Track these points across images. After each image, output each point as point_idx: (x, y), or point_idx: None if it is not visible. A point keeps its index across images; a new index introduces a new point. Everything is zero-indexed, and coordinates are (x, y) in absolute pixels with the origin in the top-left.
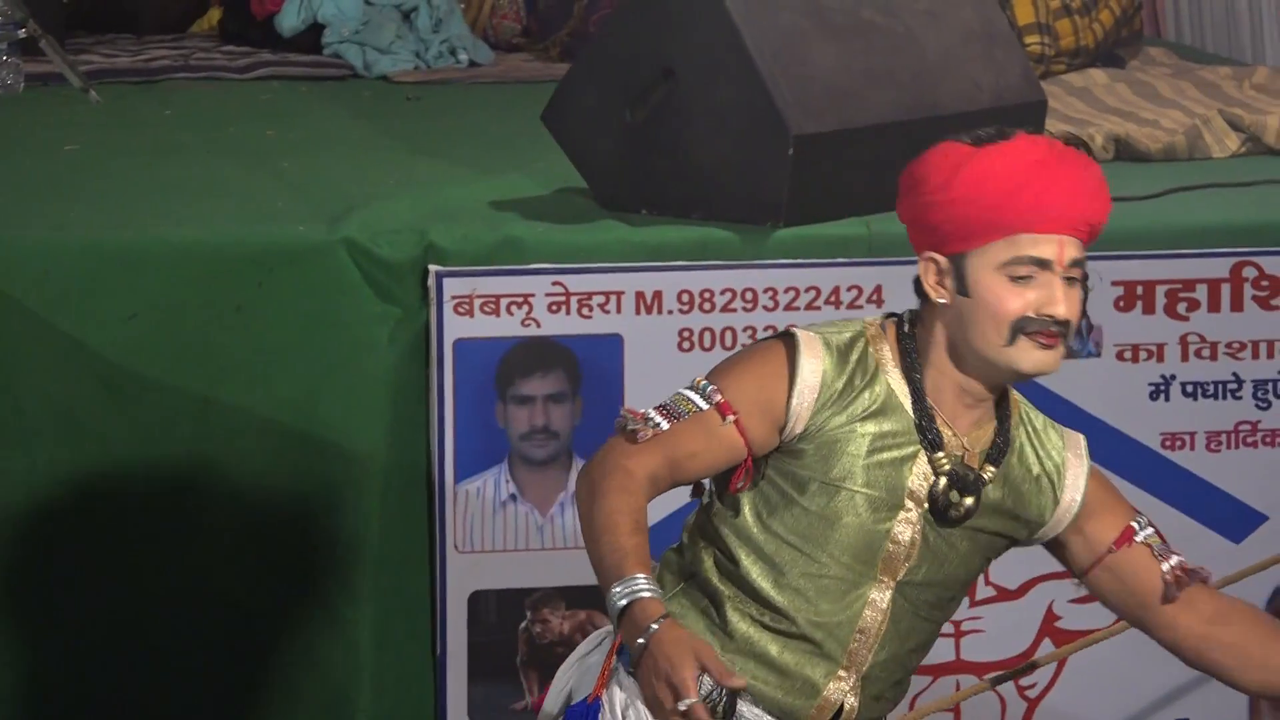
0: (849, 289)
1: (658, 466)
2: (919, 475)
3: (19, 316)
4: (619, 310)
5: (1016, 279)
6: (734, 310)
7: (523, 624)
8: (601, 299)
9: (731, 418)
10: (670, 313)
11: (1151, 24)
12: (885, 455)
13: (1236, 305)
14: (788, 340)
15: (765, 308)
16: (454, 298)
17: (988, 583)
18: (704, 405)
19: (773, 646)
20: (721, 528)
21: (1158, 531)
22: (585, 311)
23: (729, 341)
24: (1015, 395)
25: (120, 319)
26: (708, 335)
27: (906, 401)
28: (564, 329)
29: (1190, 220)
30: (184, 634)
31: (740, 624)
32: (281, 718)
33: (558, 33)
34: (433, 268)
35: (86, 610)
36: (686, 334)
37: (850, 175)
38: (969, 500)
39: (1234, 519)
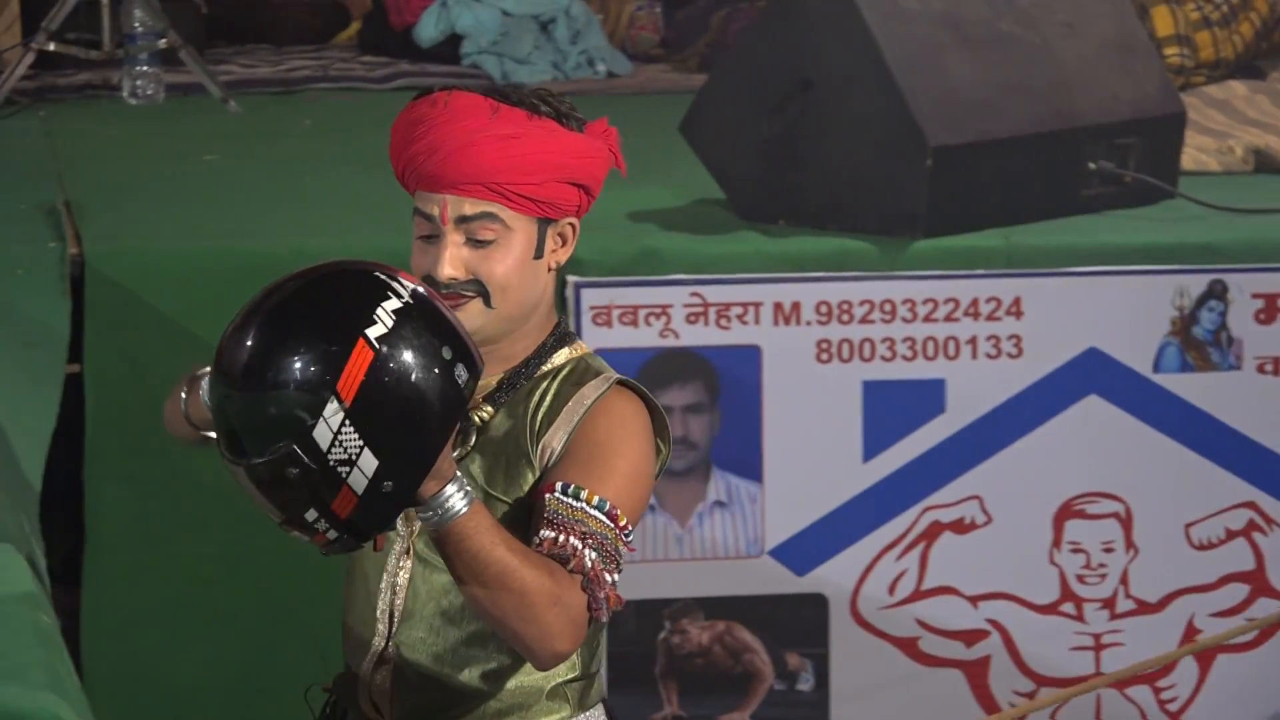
0: (987, 300)
1: None
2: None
3: (159, 326)
4: (757, 321)
5: (422, 238)
6: (872, 322)
7: (661, 634)
8: (739, 310)
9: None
10: (808, 324)
11: None
12: None
13: None
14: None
15: (904, 319)
16: (592, 308)
17: (1128, 595)
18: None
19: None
20: None
21: (575, 506)
22: (723, 323)
23: (867, 353)
24: (579, 351)
25: None
26: (846, 347)
27: None
28: (702, 340)
29: None
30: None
31: None
32: None
33: (695, 44)
34: (571, 278)
35: (256, 612)
36: (824, 345)
37: (988, 186)
38: (470, 443)
39: None
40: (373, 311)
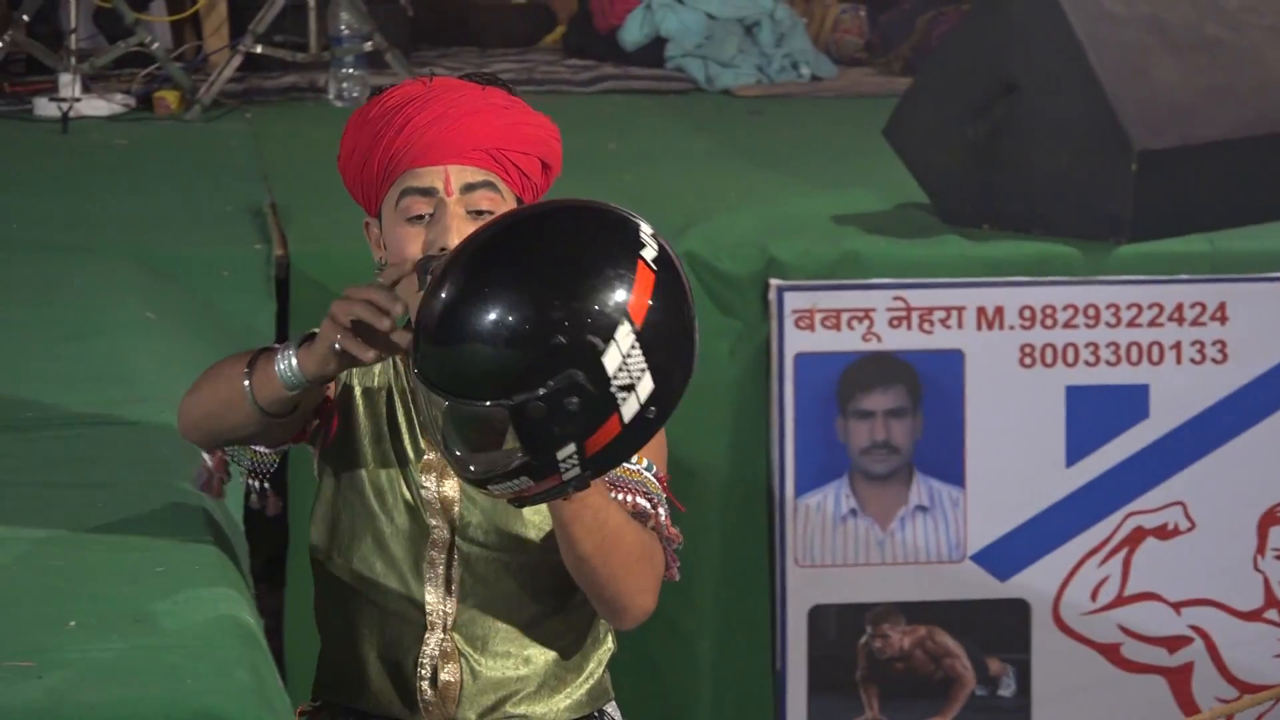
0: (1192, 306)
1: None
2: None
3: None
4: (960, 325)
5: (411, 219)
6: (1076, 327)
7: (863, 639)
8: (943, 314)
9: None
10: (1011, 328)
11: None
12: None
13: None
14: None
15: (1107, 324)
16: (795, 311)
17: None
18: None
19: (375, 633)
20: None
21: (645, 469)
22: (926, 326)
23: (1070, 358)
24: None
25: None
26: (1049, 351)
27: None
28: (905, 344)
29: None
30: None
31: None
32: None
33: (900, 47)
34: (774, 281)
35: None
36: (1028, 350)
37: (1193, 191)
38: None
39: None
40: (638, 234)
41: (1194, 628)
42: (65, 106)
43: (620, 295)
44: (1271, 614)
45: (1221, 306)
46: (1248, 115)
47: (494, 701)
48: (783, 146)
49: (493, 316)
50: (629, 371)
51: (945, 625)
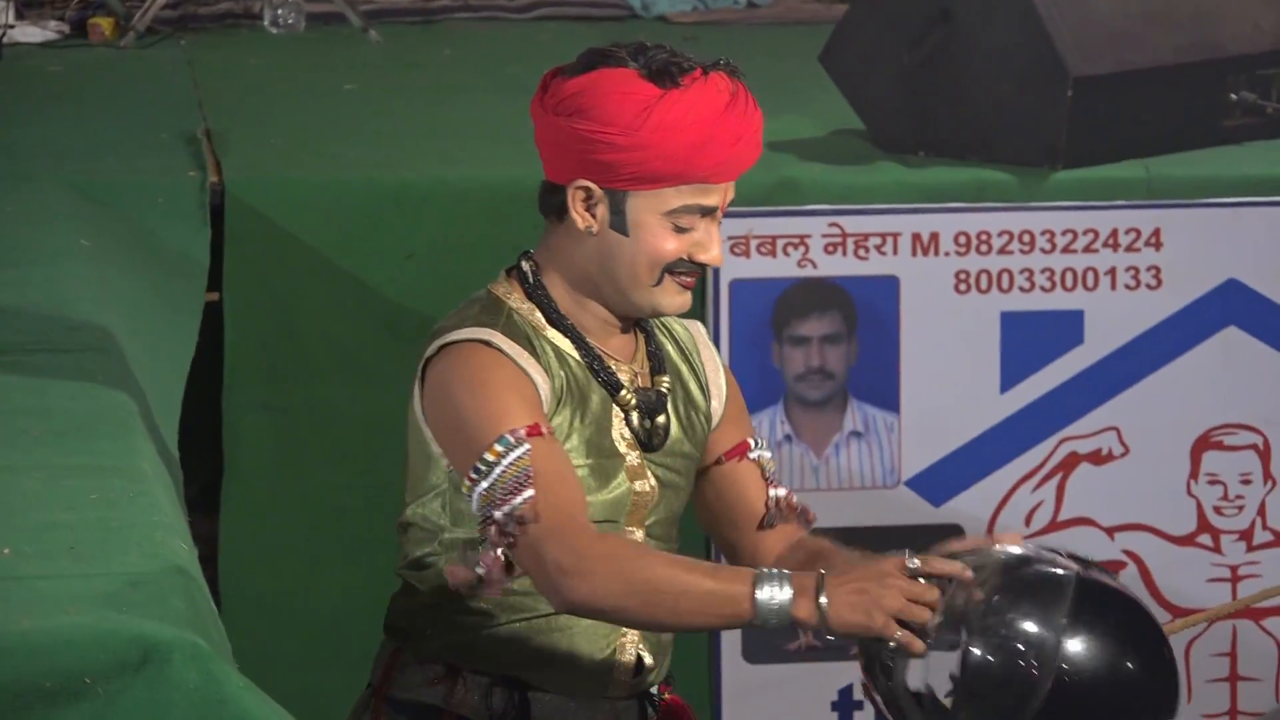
0: (1127, 231)
1: (579, 508)
2: (618, 423)
3: (298, 255)
4: (895, 252)
5: (678, 226)
6: (1011, 253)
7: None
8: (878, 240)
9: (544, 429)
10: (947, 254)
11: None
12: (583, 423)
13: None
14: (484, 346)
15: (1042, 250)
16: (731, 238)
17: (1265, 527)
18: (524, 445)
19: (560, 635)
20: None
21: (772, 458)
22: (861, 253)
23: (1005, 284)
24: None
25: (398, 258)
26: (984, 277)
27: (573, 356)
28: (840, 270)
29: None
30: None
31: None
32: None
33: None
34: None
35: (393, 540)
36: (963, 276)
37: (1129, 117)
38: (660, 418)
39: None
40: None
41: (1127, 552)
42: None
43: None
44: (1204, 538)
45: (1156, 232)
46: (1184, 41)
47: (665, 665)
48: None
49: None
50: None
51: (879, 550)
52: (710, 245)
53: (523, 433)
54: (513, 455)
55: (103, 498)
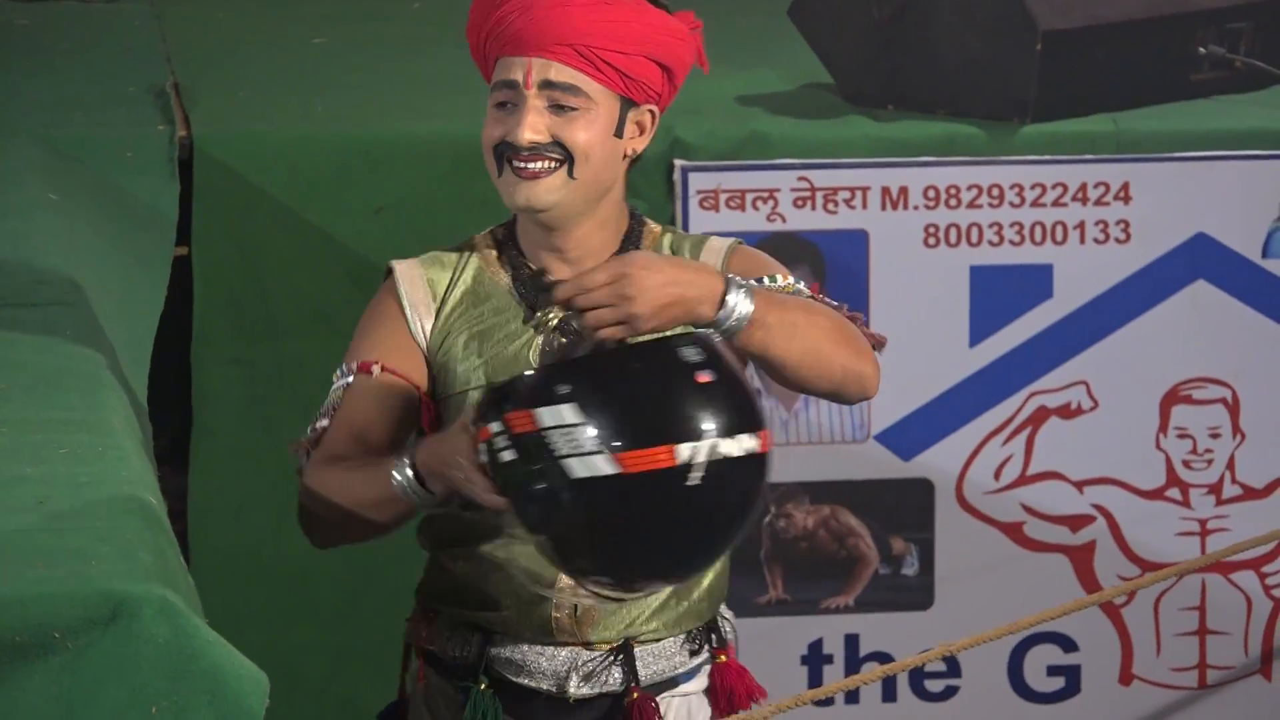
0: (1096, 185)
1: (345, 452)
2: (537, 344)
3: (267, 209)
4: (864, 206)
5: (499, 106)
6: (980, 207)
7: (766, 518)
8: (847, 194)
9: (377, 368)
10: (916, 209)
11: None
12: (497, 341)
13: None
14: (389, 276)
15: (1011, 204)
16: (699, 192)
17: (1234, 481)
18: (349, 379)
19: (500, 575)
20: None
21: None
22: (830, 207)
23: (974, 238)
24: (656, 229)
25: (367, 212)
26: (953, 231)
27: (503, 276)
28: (809, 224)
29: None
30: None
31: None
32: None
33: None
34: (678, 162)
35: None
36: (932, 230)
37: (1098, 71)
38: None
39: None
40: None
41: (1096, 506)
42: None
43: None
44: (1173, 492)
45: (1125, 186)
46: None
47: (626, 622)
48: None
49: None
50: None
51: (849, 505)
52: (517, 123)
53: (355, 365)
54: (337, 384)
55: (71, 452)
